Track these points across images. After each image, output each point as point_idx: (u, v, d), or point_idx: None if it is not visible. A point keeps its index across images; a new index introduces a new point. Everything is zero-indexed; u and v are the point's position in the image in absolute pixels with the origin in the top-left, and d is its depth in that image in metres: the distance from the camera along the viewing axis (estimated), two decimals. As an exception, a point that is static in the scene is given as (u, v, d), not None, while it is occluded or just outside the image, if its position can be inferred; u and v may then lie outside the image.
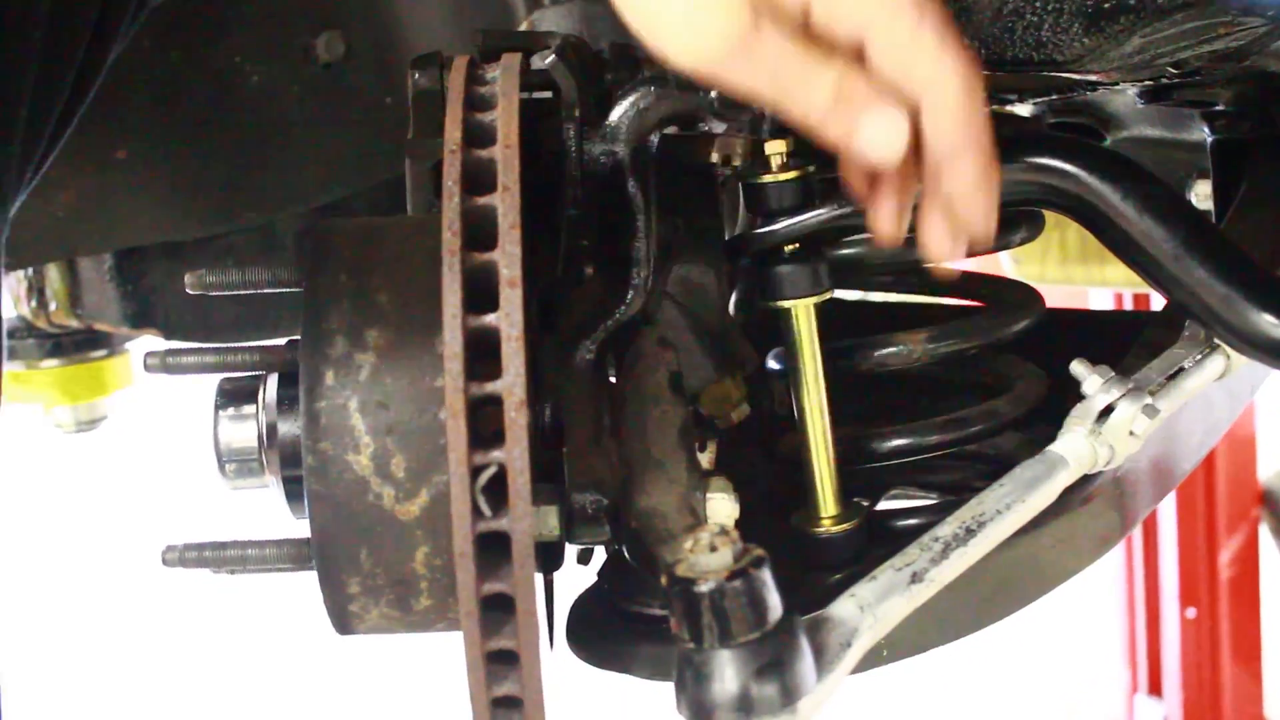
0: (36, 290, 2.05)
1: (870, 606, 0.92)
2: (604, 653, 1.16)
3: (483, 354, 0.88)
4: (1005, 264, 2.59)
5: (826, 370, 1.21)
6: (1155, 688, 3.91)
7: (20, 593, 4.08)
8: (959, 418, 1.25)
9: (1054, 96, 1.43)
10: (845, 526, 1.20)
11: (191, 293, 1.14)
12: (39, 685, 3.66)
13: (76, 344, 2.23)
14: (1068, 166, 1.04)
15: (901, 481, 1.43)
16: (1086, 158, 1.04)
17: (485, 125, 0.96)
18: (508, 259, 0.88)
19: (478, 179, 0.93)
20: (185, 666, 3.73)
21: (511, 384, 0.86)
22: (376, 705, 3.42)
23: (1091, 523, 1.23)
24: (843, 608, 0.92)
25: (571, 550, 1.25)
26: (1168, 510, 3.79)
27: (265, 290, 1.13)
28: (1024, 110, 1.52)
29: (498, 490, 0.87)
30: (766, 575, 0.84)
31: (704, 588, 0.83)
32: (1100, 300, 3.47)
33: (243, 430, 1.07)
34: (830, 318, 1.44)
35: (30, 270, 2.03)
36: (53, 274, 2.01)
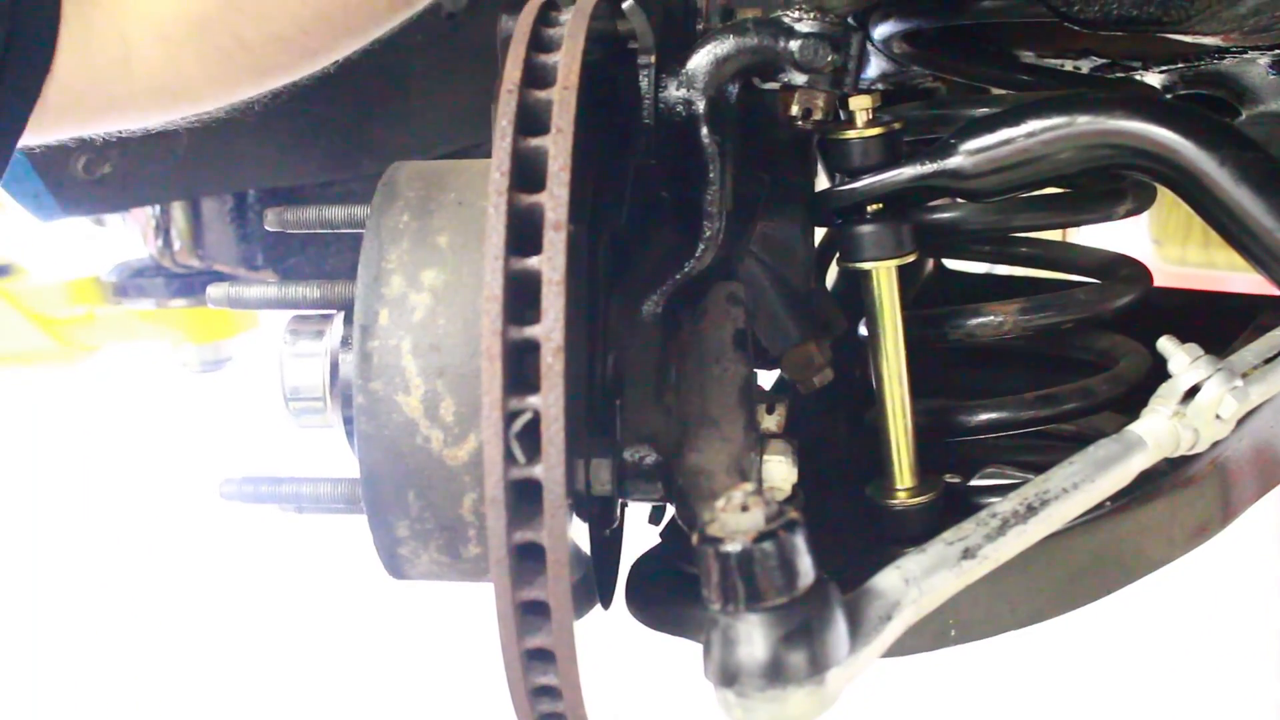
0: (163, 230, 2.09)
1: (915, 580, 0.88)
2: (660, 615, 1.14)
3: (529, 298, 0.86)
4: (1146, 246, 2.51)
5: (915, 339, 1.17)
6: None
7: (136, 531, 4.22)
8: (1051, 394, 1.20)
9: (1180, 64, 1.36)
10: (920, 499, 1.16)
11: (270, 229, 1.15)
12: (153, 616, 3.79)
13: (204, 284, 2.27)
14: (1159, 130, 0.98)
15: (997, 460, 1.39)
16: (1180, 122, 0.98)
17: (548, 67, 0.93)
18: (554, 201, 0.86)
19: (536, 120, 0.91)
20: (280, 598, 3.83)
21: (550, 329, 0.84)
22: (423, 654, 3.47)
23: (1186, 511, 1.17)
24: (886, 580, 0.88)
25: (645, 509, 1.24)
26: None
27: (342, 230, 1.13)
28: (1153, 80, 1.45)
29: (535, 438, 0.85)
30: (798, 539, 0.80)
31: (730, 547, 0.79)
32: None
33: (307, 369, 1.07)
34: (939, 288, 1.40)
35: (158, 210, 2.07)
36: (178, 214, 2.05)
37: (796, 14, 1.03)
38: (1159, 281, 1.50)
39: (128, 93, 1.17)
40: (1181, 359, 1.00)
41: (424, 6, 1.29)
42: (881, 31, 1.33)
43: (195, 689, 3.51)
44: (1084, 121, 1.01)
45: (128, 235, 2.35)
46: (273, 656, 3.59)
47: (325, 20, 1.22)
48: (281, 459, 1.47)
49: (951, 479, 1.28)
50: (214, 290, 1.07)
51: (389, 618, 3.52)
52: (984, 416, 1.22)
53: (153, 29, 1.15)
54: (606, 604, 1.13)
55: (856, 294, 1.24)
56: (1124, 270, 1.29)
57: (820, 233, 1.29)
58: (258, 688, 3.49)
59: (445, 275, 0.97)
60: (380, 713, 3.36)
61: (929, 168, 1.07)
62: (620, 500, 1.08)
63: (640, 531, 1.24)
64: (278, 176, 1.91)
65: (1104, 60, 1.40)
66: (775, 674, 0.80)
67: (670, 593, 1.13)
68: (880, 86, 1.53)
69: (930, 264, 1.59)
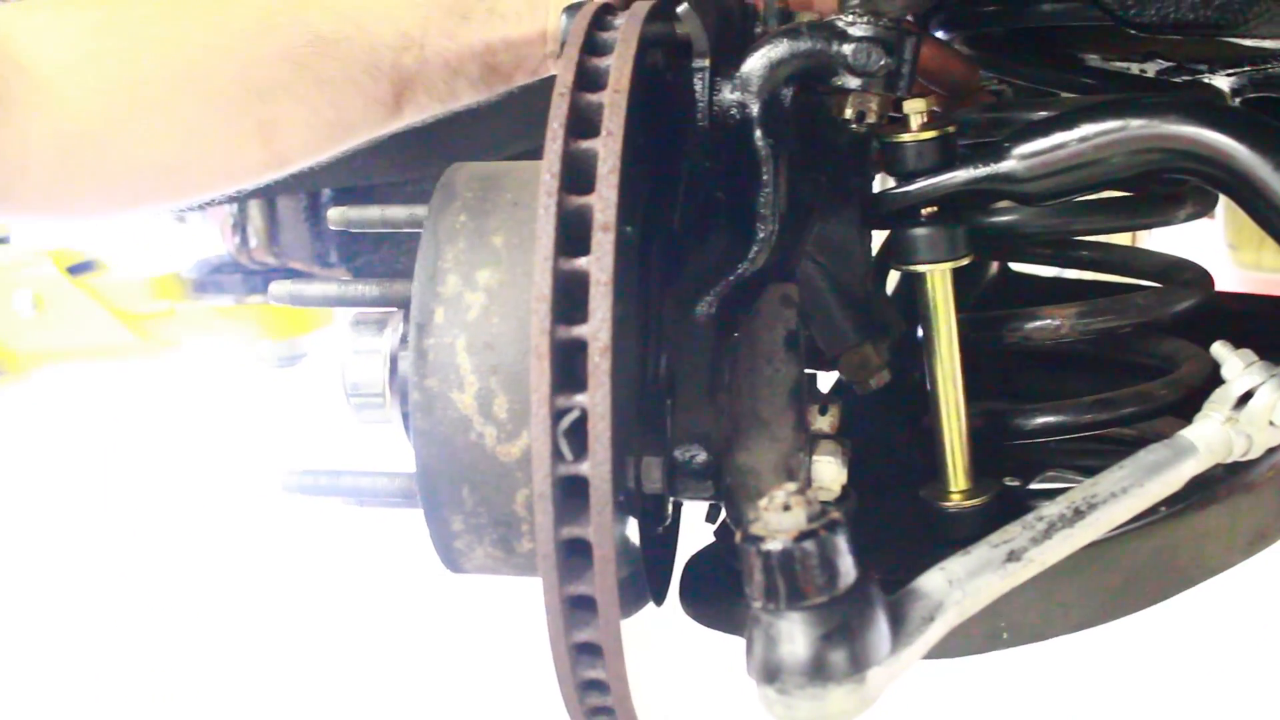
0: (240, 227, 2.13)
1: (960, 582, 0.89)
2: (712, 613, 1.15)
3: (578, 298, 0.87)
4: (1221, 251, 2.48)
5: (972, 342, 1.17)
6: None
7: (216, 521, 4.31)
8: (1108, 399, 1.20)
9: (1248, 68, 1.35)
10: (975, 502, 1.16)
11: (334, 228, 1.17)
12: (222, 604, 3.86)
13: (280, 282, 2.31)
14: (1212, 134, 0.98)
15: (1058, 464, 1.38)
16: (1233, 125, 0.98)
17: (601, 70, 0.95)
18: (603, 203, 0.87)
19: (587, 123, 0.92)
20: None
21: (597, 329, 0.85)
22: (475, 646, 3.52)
23: (1245, 516, 1.16)
24: (929, 581, 0.89)
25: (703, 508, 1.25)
26: None
27: (404, 229, 1.15)
28: (1221, 83, 1.44)
29: (583, 435, 0.86)
30: (840, 539, 0.81)
31: (771, 546, 0.81)
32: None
33: (368, 365, 1.09)
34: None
35: (236, 208, 2.11)
36: (254, 212, 2.09)
37: (850, 18, 1.04)
38: (1237, 287, 1.49)
39: (21, 197, 1.21)
40: (1235, 364, 1.00)
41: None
42: (942, 34, 1.33)
43: (268, 672, 3.57)
44: (1137, 125, 1.01)
45: (207, 233, 2.40)
46: (330, 643, 3.65)
47: (203, 161, 1.27)
48: (354, 455, 1.49)
49: (1011, 483, 1.28)
50: (276, 287, 1.09)
51: (449, 610, 3.57)
52: (1041, 420, 1.22)
53: (53, 142, 1.18)
54: (660, 601, 1.14)
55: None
56: (1185, 275, 1.28)
57: (881, 236, 1.29)
58: (321, 671, 3.55)
59: (500, 275, 0.98)
60: (436, 701, 3.41)
61: (982, 171, 1.07)
62: (672, 498, 1.09)
63: (699, 530, 1.25)
64: (351, 176, 1.94)
65: (1170, 63, 1.39)
66: (816, 672, 0.81)
67: (723, 590, 1.14)
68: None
69: (994, 267, 1.59)
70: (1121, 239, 1.86)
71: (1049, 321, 1.19)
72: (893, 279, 1.37)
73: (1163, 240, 2.22)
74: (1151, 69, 1.42)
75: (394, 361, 1.09)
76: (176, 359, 3.08)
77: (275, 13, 1.27)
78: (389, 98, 1.30)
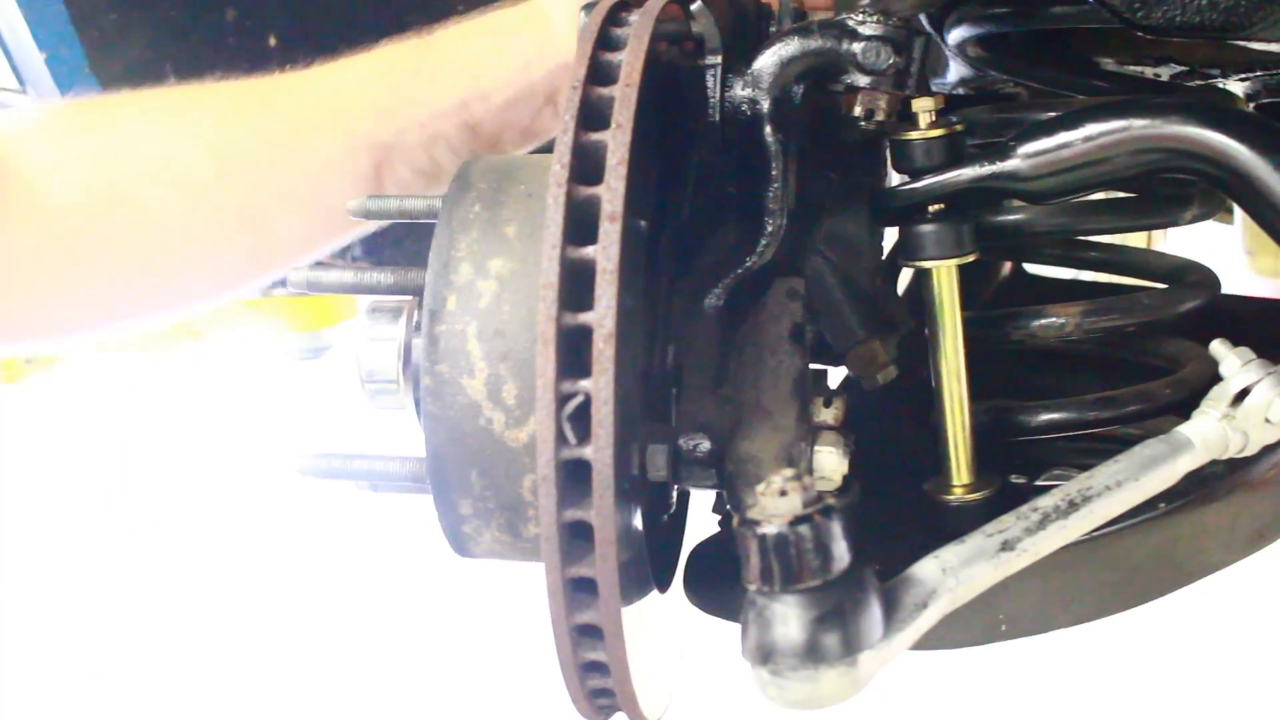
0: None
1: (953, 570, 0.90)
2: (714, 600, 1.16)
3: (584, 286, 0.89)
4: (1239, 257, 2.48)
5: (978, 339, 1.18)
6: None
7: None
8: (1111, 397, 1.21)
9: (1260, 72, 1.36)
10: (976, 496, 1.18)
11: (353, 218, 1.19)
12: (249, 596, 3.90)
13: (305, 274, 2.32)
14: (1214, 135, 0.99)
15: (1063, 462, 1.40)
16: (1235, 126, 0.99)
17: (612, 64, 0.97)
18: (611, 194, 0.89)
19: (598, 115, 0.94)
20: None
21: (602, 316, 0.87)
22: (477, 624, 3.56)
23: (1246, 514, 1.17)
24: (923, 568, 0.91)
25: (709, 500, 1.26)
26: None
27: (421, 220, 1.17)
28: (1235, 88, 1.45)
29: (587, 420, 0.88)
30: (835, 525, 0.83)
31: (767, 529, 0.82)
32: None
33: (382, 352, 1.11)
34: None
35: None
36: (280, 205, 2.11)
37: (861, 16, 1.06)
38: (1254, 293, 1.50)
39: (4, 314, 1.21)
40: (1233, 362, 1.01)
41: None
42: (955, 35, 1.35)
43: (285, 653, 3.61)
44: (1140, 126, 1.02)
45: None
46: (340, 627, 3.69)
47: (186, 257, 1.27)
48: (376, 448, 1.52)
49: (1018, 480, 1.29)
50: (294, 274, 1.12)
51: (456, 597, 3.61)
52: (1044, 417, 1.23)
53: (35, 248, 1.18)
54: (664, 588, 1.15)
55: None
56: (1191, 276, 1.30)
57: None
58: (331, 654, 3.58)
59: (512, 264, 1.01)
60: (442, 684, 3.44)
61: (987, 169, 1.09)
62: (676, 487, 1.11)
63: (708, 520, 1.27)
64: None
65: (1183, 67, 1.40)
66: (809, 654, 0.83)
67: (726, 579, 1.16)
68: (962, 91, 1.55)
69: (1008, 267, 1.60)
70: (1137, 242, 1.88)
71: (1054, 320, 1.21)
72: (905, 276, 1.39)
73: (1180, 245, 2.23)
74: (1166, 73, 1.44)
75: (408, 349, 1.10)
76: (202, 351, 3.11)
77: (245, 102, 1.27)
78: (368, 172, 1.29)
